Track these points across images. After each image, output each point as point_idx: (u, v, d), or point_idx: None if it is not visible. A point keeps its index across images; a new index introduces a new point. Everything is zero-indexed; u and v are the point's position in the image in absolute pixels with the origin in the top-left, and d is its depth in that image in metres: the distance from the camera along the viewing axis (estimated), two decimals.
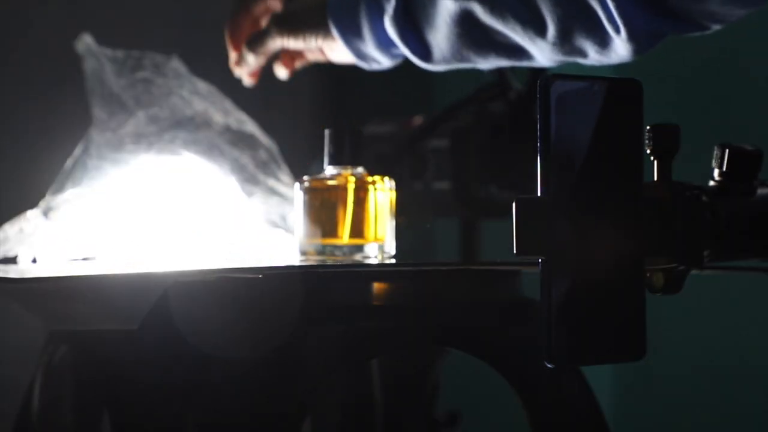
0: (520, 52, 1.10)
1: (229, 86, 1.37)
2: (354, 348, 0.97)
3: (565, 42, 1.05)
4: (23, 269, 1.09)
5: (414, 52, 1.14)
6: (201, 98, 1.30)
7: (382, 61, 1.20)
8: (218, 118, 1.30)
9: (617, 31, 1.01)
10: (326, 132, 1.14)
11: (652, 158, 0.81)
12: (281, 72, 1.32)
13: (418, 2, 1.12)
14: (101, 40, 1.28)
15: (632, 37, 1.01)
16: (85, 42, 1.26)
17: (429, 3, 1.11)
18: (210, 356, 0.95)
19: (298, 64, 1.32)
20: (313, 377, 0.95)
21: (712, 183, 0.84)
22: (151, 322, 0.94)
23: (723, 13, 0.99)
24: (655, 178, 0.81)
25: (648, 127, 0.81)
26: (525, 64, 1.13)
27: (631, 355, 0.77)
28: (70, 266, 1.13)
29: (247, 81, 1.33)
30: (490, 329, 1.02)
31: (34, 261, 1.17)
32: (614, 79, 0.76)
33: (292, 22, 1.22)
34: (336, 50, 1.23)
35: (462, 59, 1.13)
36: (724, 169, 0.83)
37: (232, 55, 1.33)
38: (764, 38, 1.74)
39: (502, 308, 1.04)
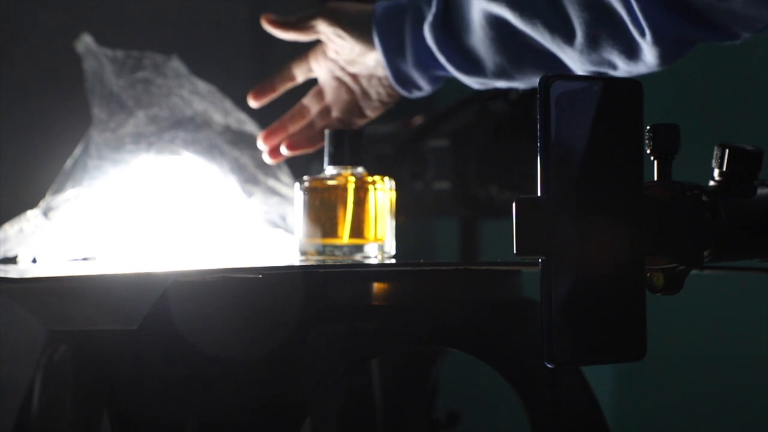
0: (553, 62, 1.09)
1: (229, 86, 1.37)
2: (354, 348, 0.97)
3: (592, 49, 1.04)
4: (23, 269, 1.09)
5: (450, 60, 1.13)
6: (201, 98, 1.30)
7: (422, 84, 1.19)
8: (218, 118, 1.30)
9: (642, 34, 1.00)
10: (326, 132, 1.14)
11: (652, 158, 0.81)
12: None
13: (456, 9, 1.12)
14: (101, 40, 1.28)
15: (657, 41, 1.00)
16: (85, 42, 1.26)
17: (465, 8, 1.11)
18: (210, 356, 0.95)
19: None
20: (313, 377, 0.95)
21: (712, 183, 0.84)
22: (151, 322, 0.94)
23: (749, 15, 0.98)
24: (655, 178, 0.81)
25: (648, 127, 0.81)
26: None
27: (631, 355, 0.76)
28: (70, 266, 1.13)
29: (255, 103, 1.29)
30: (490, 329, 1.02)
31: (34, 261, 1.17)
32: (614, 78, 0.76)
33: (340, 17, 1.20)
34: (365, 71, 1.22)
35: (499, 71, 1.12)
36: (724, 169, 0.83)
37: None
38: (764, 38, 1.74)
39: (502, 308, 1.04)
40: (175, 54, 1.31)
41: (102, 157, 1.22)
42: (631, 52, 1.03)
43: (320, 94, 1.26)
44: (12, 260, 1.17)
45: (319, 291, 0.97)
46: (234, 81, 1.49)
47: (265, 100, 1.27)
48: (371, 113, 1.25)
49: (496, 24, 1.09)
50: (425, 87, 1.19)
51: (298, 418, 0.95)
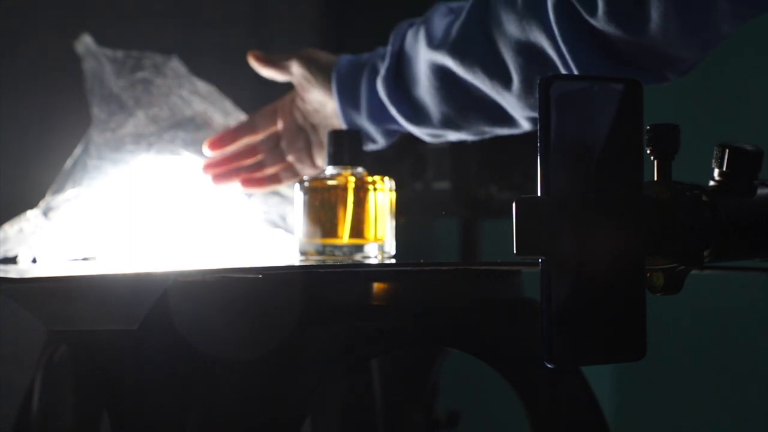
0: (495, 110, 1.11)
1: (229, 86, 1.37)
2: (354, 348, 0.97)
3: (529, 93, 1.07)
4: (23, 269, 1.09)
5: (400, 111, 1.16)
6: (201, 98, 1.30)
7: (376, 138, 1.21)
8: (218, 118, 1.30)
9: None
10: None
11: (652, 158, 0.81)
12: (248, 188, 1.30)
13: (407, 62, 1.15)
14: (101, 40, 1.28)
15: None
16: (85, 42, 1.26)
17: (414, 61, 1.14)
18: (210, 356, 0.95)
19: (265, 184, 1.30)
20: (313, 377, 0.95)
21: (712, 183, 0.84)
22: (151, 322, 0.94)
23: (672, 55, 1.00)
24: (655, 178, 0.81)
25: (648, 127, 0.81)
26: (505, 130, 1.14)
27: (631, 355, 0.76)
28: (70, 266, 1.13)
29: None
30: (490, 329, 1.02)
31: (34, 261, 1.17)
32: (614, 79, 0.76)
33: (311, 62, 1.23)
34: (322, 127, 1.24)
35: (446, 122, 1.15)
36: (724, 169, 0.83)
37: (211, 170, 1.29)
38: (764, 38, 1.74)
39: (502, 308, 1.04)
40: (175, 54, 1.31)
41: (102, 157, 1.22)
42: None
43: (276, 138, 1.28)
44: (12, 260, 1.17)
45: (319, 291, 0.97)
46: (234, 81, 1.49)
47: (223, 149, 1.28)
48: (323, 164, 1.26)
49: (440, 73, 1.12)
50: (380, 140, 1.22)
51: (298, 418, 0.95)
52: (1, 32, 1.89)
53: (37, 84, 1.91)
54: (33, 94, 1.91)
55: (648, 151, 0.81)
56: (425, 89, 1.14)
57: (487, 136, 1.17)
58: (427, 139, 1.20)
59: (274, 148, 1.28)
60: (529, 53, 1.04)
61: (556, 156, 0.73)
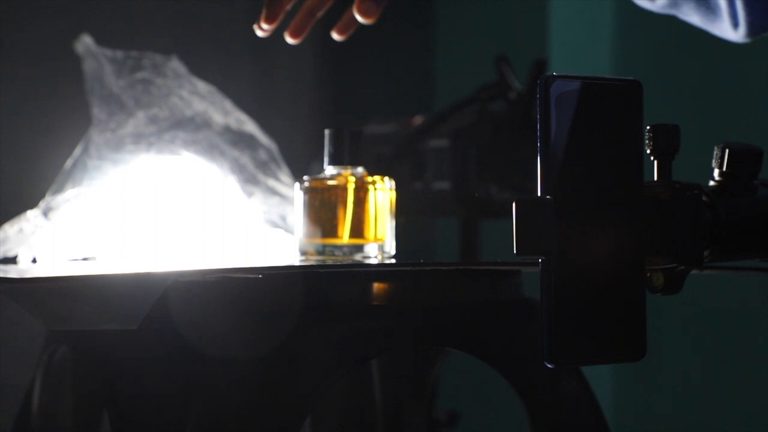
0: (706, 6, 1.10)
1: (229, 86, 1.37)
2: (354, 348, 0.97)
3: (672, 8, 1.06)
4: (23, 269, 1.09)
5: None
6: (201, 98, 1.30)
7: None
8: (218, 118, 1.30)
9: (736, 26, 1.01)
10: (326, 132, 1.14)
11: (652, 158, 0.81)
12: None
13: None
14: (101, 40, 1.28)
15: (752, 33, 1.02)
16: (85, 42, 1.26)
17: None
18: (210, 356, 0.95)
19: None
20: (313, 377, 0.95)
21: (712, 183, 0.84)
22: (151, 322, 0.94)
23: None
24: (655, 178, 0.81)
25: (648, 127, 0.81)
26: (715, 30, 1.13)
27: (631, 355, 0.77)
28: (70, 266, 1.13)
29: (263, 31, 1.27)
30: (490, 329, 1.02)
31: (34, 261, 1.17)
32: (614, 78, 0.76)
33: None
34: None
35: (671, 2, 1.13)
36: (724, 169, 0.83)
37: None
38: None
39: (502, 308, 1.04)
40: (174, 54, 1.31)
41: (102, 157, 1.22)
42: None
43: None
44: (12, 260, 1.17)
45: (319, 291, 0.97)
46: (234, 81, 1.49)
47: (276, 23, 1.25)
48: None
49: None
50: None
51: (298, 418, 0.95)
52: (1, 32, 1.89)
53: (37, 84, 1.91)
54: (33, 94, 1.91)
55: (648, 151, 0.81)
56: None
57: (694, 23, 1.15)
58: (649, 8, 1.18)
59: None
60: None
61: (556, 156, 0.73)
